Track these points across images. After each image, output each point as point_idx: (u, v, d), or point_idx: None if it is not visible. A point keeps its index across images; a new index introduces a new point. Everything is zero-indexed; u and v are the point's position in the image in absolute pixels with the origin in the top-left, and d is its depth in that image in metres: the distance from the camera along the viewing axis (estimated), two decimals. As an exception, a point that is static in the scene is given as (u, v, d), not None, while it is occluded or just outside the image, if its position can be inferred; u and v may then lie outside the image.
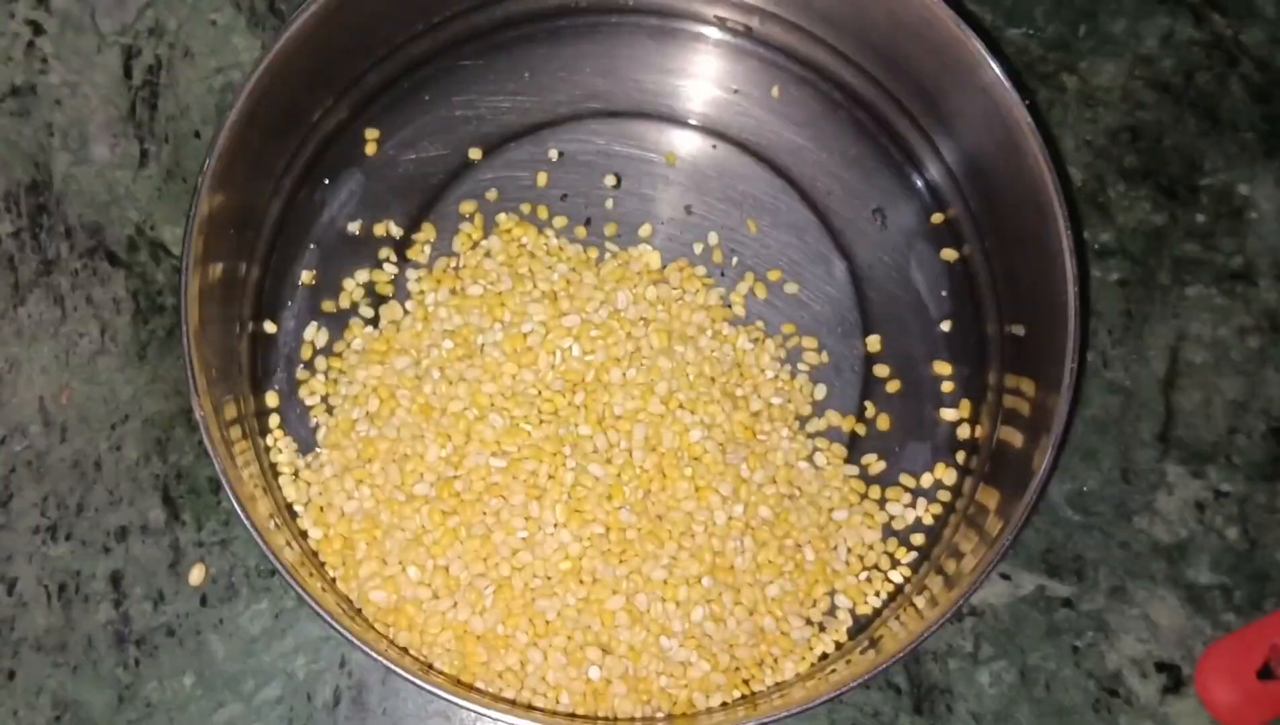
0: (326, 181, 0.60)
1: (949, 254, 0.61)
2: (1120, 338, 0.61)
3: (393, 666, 0.49)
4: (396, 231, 0.60)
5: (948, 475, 0.58)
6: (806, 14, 0.60)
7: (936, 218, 0.61)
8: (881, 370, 0.60)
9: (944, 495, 0.58)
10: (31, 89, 0.60)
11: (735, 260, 0.61)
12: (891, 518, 0.57)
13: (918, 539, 0.57)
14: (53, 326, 0.58)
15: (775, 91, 0.62)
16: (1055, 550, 0.58)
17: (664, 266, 0.60)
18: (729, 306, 0.60)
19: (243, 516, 0.50)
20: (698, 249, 0.61)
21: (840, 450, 0.58)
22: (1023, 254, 0.57)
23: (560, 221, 0.61)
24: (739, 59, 0.62)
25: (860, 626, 0.56)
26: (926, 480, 0.58)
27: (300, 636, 0.56)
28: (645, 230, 0.61)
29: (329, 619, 0.49)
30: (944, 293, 0.61)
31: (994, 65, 0.54)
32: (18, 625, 0.55)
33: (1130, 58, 0.64)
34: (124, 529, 0.56)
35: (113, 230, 0.59)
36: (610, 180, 0.61)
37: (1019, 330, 0.57)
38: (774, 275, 0.61)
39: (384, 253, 0.59)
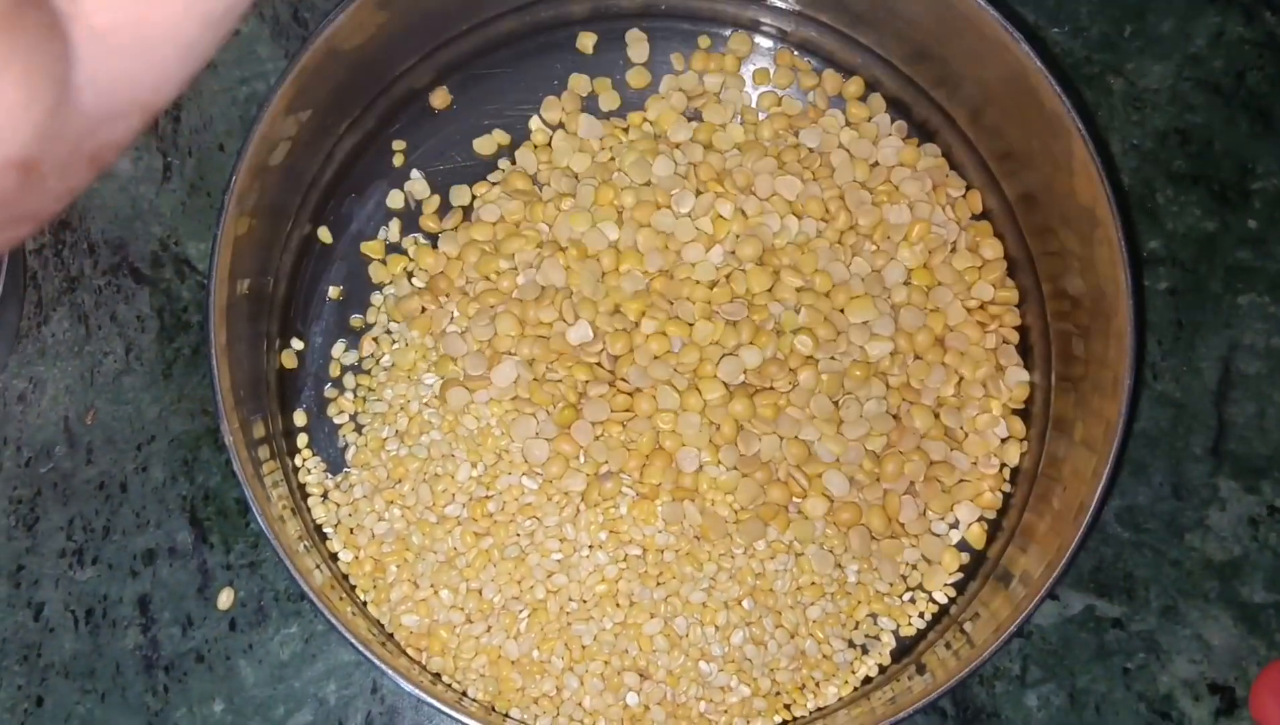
0: (353, 195, 0.58)
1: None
2: (1170, 348, 0.59)
3: (424, 696, 0.48)
4: (425, 245, 0.58)
5: (994, 494, 0.56)
6: (844, 18, 0.58)
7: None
8: (924, 384, 0.58)
9: (990, 514, 0.56)
10: (53, 102, 0.59)
11: (773, 270, 0.59)
12: (936, 536, 0.56)
13: (963, 558, 0.56)
14: (77, 345, 0.57)
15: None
16: (1105, 569, 0.57)
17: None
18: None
19: (273, 542, 0.49)
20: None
21: (883, 466, 0.57)
22: (1073, 264, 0.55)
23: (592, 233, 0.59)
24: (774, 63, 0.61)
25: (904, 649, 0.55)
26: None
27: (331, 661, 0.55)
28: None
29: (359, 646, 0.48)
30: (988, 303, 0.59)
31: (1050, 80, 0.52)
32: (45, 651, 0.54)
33: (1179, 58, 0.62)
34: (151, 552, 0.55)
35: (136, 246, 0.58)
36: (644, 189, 0.60)
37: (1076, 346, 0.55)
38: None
39: (412, 267, 0.58)
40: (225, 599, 0.55)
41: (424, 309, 0.57)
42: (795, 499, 0.54)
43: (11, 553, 0.55)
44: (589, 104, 0.60)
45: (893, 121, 0.59)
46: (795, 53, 0.60)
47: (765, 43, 0.61)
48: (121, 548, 0.55)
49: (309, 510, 0.55)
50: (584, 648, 0.53)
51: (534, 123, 0.59)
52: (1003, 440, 0.56)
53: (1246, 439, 0.58)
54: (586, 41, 0.60)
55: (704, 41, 0.60)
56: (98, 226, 0.58)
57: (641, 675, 0.53)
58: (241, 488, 0.49)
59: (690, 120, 0.59)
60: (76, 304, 0.57)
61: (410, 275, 0.58)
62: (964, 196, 0.58)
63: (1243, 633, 0.56)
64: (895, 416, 0.55)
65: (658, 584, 0.53)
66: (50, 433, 0.56)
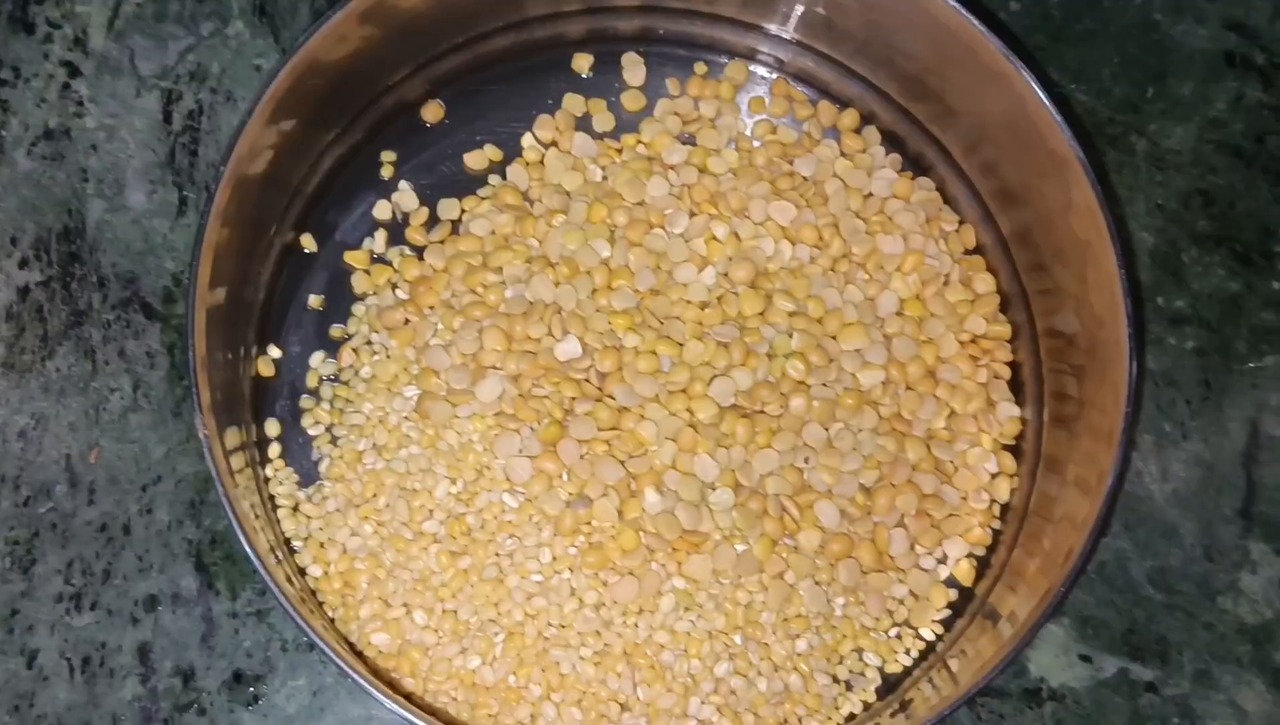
0: (339, 204, 0.57)
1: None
2: (1199, 408, 0.58)
3: (413, 718, 0.46)
4: (411, 256, 0.57)
5: (983, 530, 0.55)
6: (841, 49, 0.58)
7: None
8: (920, 426, 0.57)
9: (979, 550, 0.55)
10: (66, 132, 0.58)
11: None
12: (924, 572, 0.54)
13: (952, 595, 0.54)
14: (82, 381, 0.55)
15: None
16: (1138, 631, 0.55)
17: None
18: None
19: (246, 546, 0.46)
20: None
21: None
22: (1067, 303, 0.54)
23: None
24: (770, 93, 0.60)
25: (890, 687, 0.53)
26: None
27: (340, 715, 0.52)
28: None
29: (340, 662, 0.46)
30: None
31: (1051, 109, 0.51)
32: (38, 701, 0.51)
33: (1200, 120, 0.62)
34: (153, 598, 0.53)
35: (148, 280, 0.56)
36: (636, 212, 0.59)
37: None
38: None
39: (397, 278, 0.56)
40: (231, 649, 0.52)
41: (407, 321, 0.55)
42: (788, 533, 0.53)
43: (5, 596, 0.52)
44: (583, 124, 0.59)
45: (887, 154, 0.59)
46: (791, 82, 0.60)
47: (762, 71, 0.60)
48: (122, 593, 0.53)
49: (278, 522, 0.53)
50: (562, 676, 0.51)
51: (527, 140, 0.59)
52: (993, 476, 0.55)
53: (1276, 501, 0.57)
54: (582, 63, 0.60)
55: (700, 68, 0.60)
56: (108, 260, 0.56)
57: (621, 706, 0.51)
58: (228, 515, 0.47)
59: (684, 144, 0.58)
60: (83, 339, 0.55)
61: (394, 287, 0.56)
62: (957, 231, 0.58)
63: (1277, 699, 0.55)
64: (887, 448, 0.54)
65: (640, 611, 0.52)
66: (51, 471, 0.54)
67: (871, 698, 0.53)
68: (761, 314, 0.55)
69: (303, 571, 0.52)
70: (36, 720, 0.51)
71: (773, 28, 0.59)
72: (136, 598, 0.53)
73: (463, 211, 0.57)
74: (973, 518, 0.55)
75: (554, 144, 0.58)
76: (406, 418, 0.54)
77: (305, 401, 0.55)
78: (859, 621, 0.53)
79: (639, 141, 0.58)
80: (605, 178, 0.57)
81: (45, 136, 0.58)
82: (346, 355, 0.55)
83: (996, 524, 0.55)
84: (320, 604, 0.52)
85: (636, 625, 0.51)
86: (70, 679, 0.52)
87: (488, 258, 0.55)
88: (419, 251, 0.57)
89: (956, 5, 0.52)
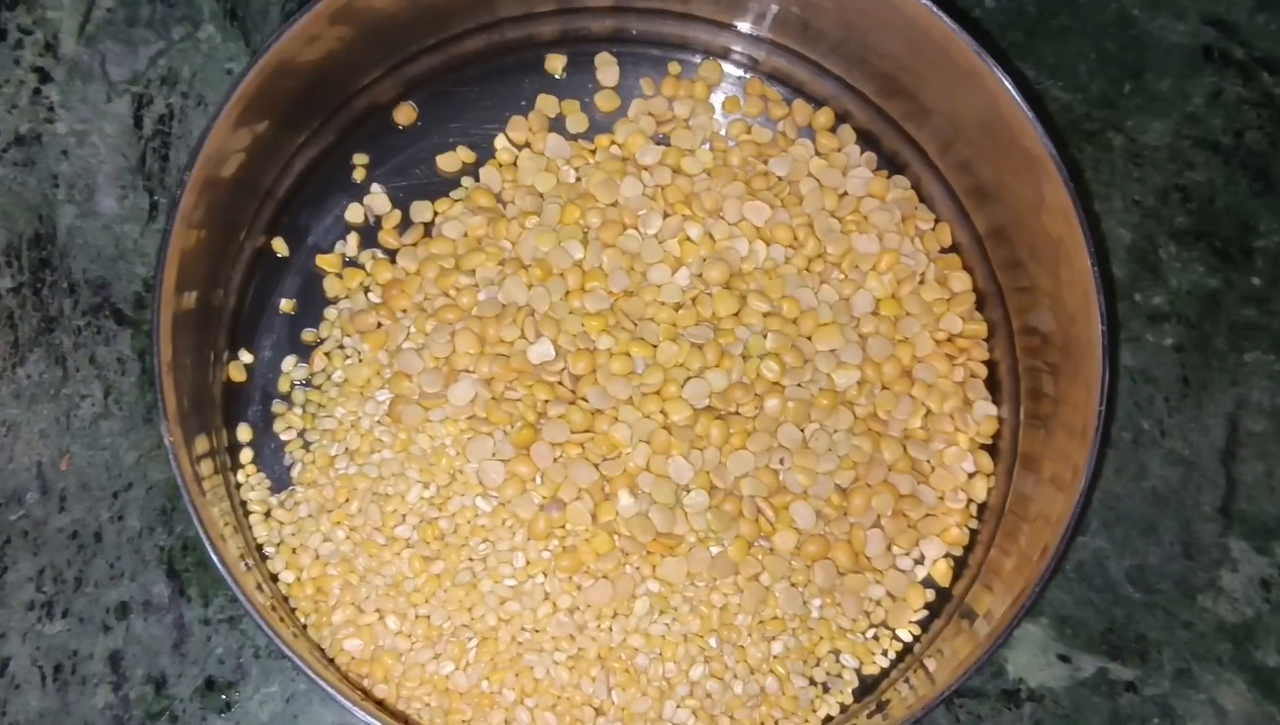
0: (311, 207, 0.57)
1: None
2: (1178, 405, 0.58)
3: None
4: (384, 259, 0.57)
5: (960, 530, 0.55)
6: (816, 48, 0.58)
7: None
8: (897, 427, 0.57)
9: (956, 550, 0.55)
10: (37, 138, 0.57)
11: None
12: (902, 573, 0.54)
13: (929, 596, 0.54)
14: (53, 387, 0.55)
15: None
16: (1116, 630, 0.55)
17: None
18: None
19: (212, 555, 0.46)
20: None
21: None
22: (1043, 301, 0.54)
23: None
24: (745, 92, 0.60)
25: (867, 688, 0.53)
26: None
27: (313, 722, 0.52)
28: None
29: (309, 671, 0.45)
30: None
31: (1023, 105, 0.51)
32: (9, 709, 0.51)
33: (1178, 116, 0.62)
34: (125, 605, 0.53)
35: (119, 286, 0.56)
36: (610, 213, 0.58)
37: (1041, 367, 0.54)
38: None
39: (369, 282, 0.56)
40: (203, 656, 0.52)
41: (379, 324, 0.55)
42: (763, 534, 0.53)
43: (-24, 605, 0.52)
44: (556, 125, 0.59)
45: (862, 153, 0.59)
46: (766, 82, 0.60)
47: (736, 71, 0.60)
48: (94, 600, 0.52)
49: (250, 528, 0.53)
50: (536, 681, 0.51)
51: (499, 141, 0.58)
52: (970, 475, 0.55)
53: (1256, 498, 0.57)
54: (555, 63, 0.59)
55: (674, 68, 0.60)
56: (79, 265, 0.56)
57: (596, 711, 0.51)
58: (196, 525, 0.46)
59: (658, 145, 0.58)
60: (54, 345, 0.55)
61: (366, 290, 0.56)
62: (933, 229, 0.58)
63: (1258, 698, 0.55)
64: (863, 449, 0.54)
65: (615, 615, 0.51)
66: (22, 478, 0.54)
67: (848, 699, 0.53)
68: (736, 315, 0.55)
69: (275, 577, 0.52)
70: (8, 729, 0.51)
71: (747, 27, 0.59)
72: (108, 605, 0.53)
73: (435, 214, 0.57)
74: (950, 518, 0.54)
75: (527, 145, 0.58)
76: (379, 422, 0.54)
77: (277, 406, 0.55)
78: (835, 623, 0.53)
79: (613, 142, 0.58)
80: (579, 179, 0.57)
81: (16, 142, 0.57)
82: (318, 359, 0.55)
83: (973, 524, 0.55)
84: (292, 610, 0.52)
85: (611, 629, 0.51)
86: (42, 687, 0.51)
87: (460, 260, 0.55)
88: (391, 254, 0.56)
89: (929, 4, 0.52)
